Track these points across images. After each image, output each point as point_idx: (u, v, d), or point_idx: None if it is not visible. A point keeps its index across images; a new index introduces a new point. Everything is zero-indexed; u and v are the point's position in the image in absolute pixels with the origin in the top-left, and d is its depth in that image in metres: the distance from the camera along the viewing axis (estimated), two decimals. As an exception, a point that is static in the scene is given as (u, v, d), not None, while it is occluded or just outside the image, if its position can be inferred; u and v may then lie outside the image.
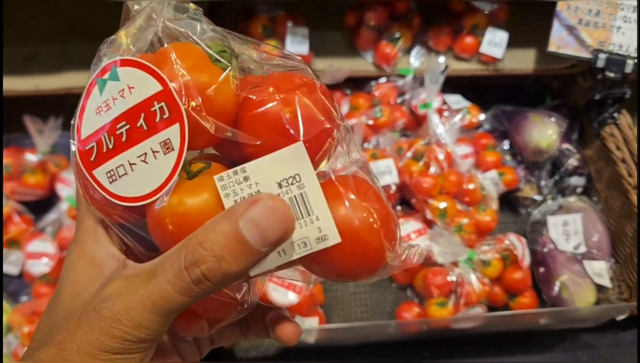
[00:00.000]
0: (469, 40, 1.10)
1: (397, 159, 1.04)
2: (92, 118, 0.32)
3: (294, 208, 0.29)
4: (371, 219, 0.30)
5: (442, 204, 0.98)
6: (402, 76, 1.12)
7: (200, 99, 0.30)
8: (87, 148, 0.32)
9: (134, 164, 0.31)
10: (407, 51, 1.12)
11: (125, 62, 0.31)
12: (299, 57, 0.34)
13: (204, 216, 0.29)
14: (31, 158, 1.03)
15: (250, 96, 0.32)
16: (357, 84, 1.14)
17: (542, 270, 1.02)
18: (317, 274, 0.33)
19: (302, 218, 0.29)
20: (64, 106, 1.11)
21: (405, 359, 1.02)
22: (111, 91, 0.31)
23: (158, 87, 0.30)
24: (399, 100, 1.13)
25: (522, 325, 0.98)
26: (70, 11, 1.15)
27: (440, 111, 1.10)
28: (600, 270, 1.00)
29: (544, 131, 1.06)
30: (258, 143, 0.31)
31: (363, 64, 1.12)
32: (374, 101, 1.11)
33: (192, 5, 0.35)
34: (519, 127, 1.10)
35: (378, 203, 0.31)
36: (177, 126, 0.30)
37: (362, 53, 1.13)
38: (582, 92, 1.12)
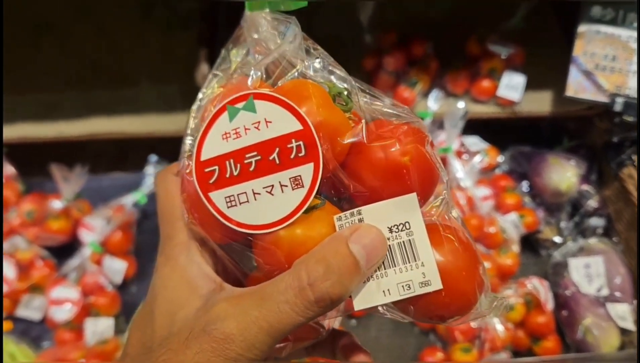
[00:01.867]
0: (486, 83, 1.11)
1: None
2: (216, 142, 0.33)
3: (401, 253, 0.32)
4: (468, 269, 0.32)
5: (464, 248, 0.98)
6: (421, 119, 1.13)
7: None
8: (207, 170, 0.33)
9: (258, 194, 0.32)
10: (425, 95, 1.14)
11: (264, 96, 0.33)
12: (407, 107, 0.36)
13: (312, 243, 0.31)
14: (56, 204, 1.04)
15: (375, 145, 0.33)
16: (376, 127, 1.15)
17: (565, 313, 1.02)
18: (408, 315, 0.34)
19: (408, 262, 0.32)
20: (87, 152, 1.12)
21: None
22: (244, 120, 0.33)
23: (298, 126, 0.32)
24: (417, 143, 1.14)
25: (547, 369, 0.97)
26: (93, 57, 1.18)
27: (459, 153, 1.11)
28: (623, 313, 0.99)
29: (563, 174, 1.07)
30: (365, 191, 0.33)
31: (381, 108, 1.13)
32: (392, 143, 1.12)
33: (318, 47, 0.36)
34: (538, 170, 1.10)
35: (472, 253, 0.33)
36: (311, 165, 0.31)
37: (380, 97, 1.14)
38: (599, 133, 1.13)
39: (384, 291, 0.31)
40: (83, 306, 0.98)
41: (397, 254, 0.32)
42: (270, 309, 0.30)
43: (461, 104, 1.08)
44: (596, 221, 1.10)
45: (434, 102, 1.12)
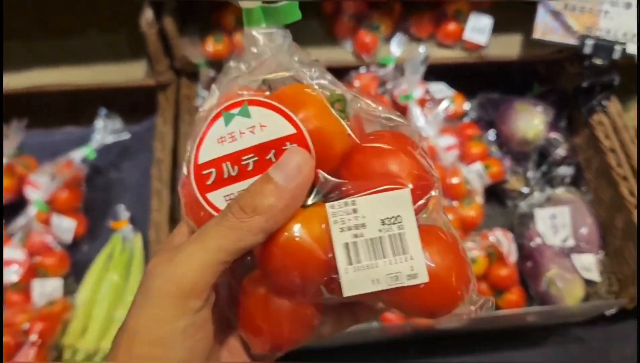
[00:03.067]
0: (451, 26, 1.05)
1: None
2: (212, 146, 0.35)
3: (391, 245, 0.33)
4: (456, 268, 0.34)
5: (425, 201, 0.94)
6: (383, 66, 1.07)
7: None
8: (204, 172, 0.35)
9: None
10: (388, 39, 1.08)
11: (258, 103, 0.35)
12: (399, 113, 0.39)
13: (316, 241, 0.33)
14: (-4, 161, 0.99)
15: (370, 146, 0.36)
16: (336, 74, 1.09)
17: (529, 264, 0.99)
18: (399, 309, 0.36)
19: (398, 255, 0.33)
20: (28, 105, 1.06)
21: (389, 358, 0.99)
22: (239, 125, 0.35)
23: (291, 130, 0.34)
24: (380, 90, 1.09)
25: (509, 322, 0.95)
26: (37, 8, 1.10)
27: (423, 101, 1.06)
28: (589, 264, 0.97)
29: (530, 121, 1.02)
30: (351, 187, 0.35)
31: (342, 54, 1.08)
32: (354, 92, 1.07)
33: (313, 57, 0.39)
34: (505, 117, 1.06)
35: (460, 254, 0.35)
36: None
37: (340, 42, 1.08)
38: (570, 77, 1.08)
39: (372, 280, 0.33)
40: (30, 267, 0.94)
41: (387, 246, 0.33)
42: (202, 238, 0.32)
43: (422, 49, 1.02)
44: (564, 170, 1.06)
45: (397, 47, 1.06)
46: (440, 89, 1.08)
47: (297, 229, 0.33)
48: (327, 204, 0.33)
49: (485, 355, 0.99)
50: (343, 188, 0.35)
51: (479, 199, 0.99)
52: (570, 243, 0.98)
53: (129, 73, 1.06)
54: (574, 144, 1.08)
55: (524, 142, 1.03)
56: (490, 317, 0.91)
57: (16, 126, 0.95)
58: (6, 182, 0.98)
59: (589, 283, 0.97)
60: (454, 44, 1.07)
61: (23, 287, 0.94)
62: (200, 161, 0.35)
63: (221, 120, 0.35)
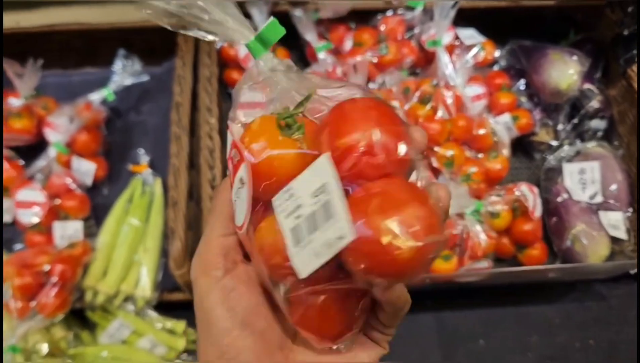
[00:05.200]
0: (485, -32, 1.00)
1: (403, 101, 0.97)
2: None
3: (322, 214, 0.32)
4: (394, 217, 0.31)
5: (449, 152, 0.92)
6: (411, 9, 1.03)
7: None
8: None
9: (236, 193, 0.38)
10: (417, -19, 1.02)
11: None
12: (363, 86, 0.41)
13: (272, 238, 0.34)
14: (14, 102, 0.97)
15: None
16: (361, 17, 1.05)
17: (554, 220, 0.97)
18: (357, 274, 0.33)
19: (327, 221, 0.32)
20: (44, 46, 1.04)
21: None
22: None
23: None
24: (407, 35, 1.04)
25: (530, 278, 0.93)
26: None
27: (451, 48, 1.01)
28: (616, 221, 0.94)
29: (565, 71, 0.98)
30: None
31: (368, -4, 1.03)
32: (380, 36, 1.02)
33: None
34: (537, 66, 1.01)
35: (428, 203, 0.32)
36: (244, 165, 0.35)
37: (367, -17, 1.03)
38: (609, 25, 1.02)
39: (315, 255, 0.32)
40: (51, 209, 0.95)
41: (320, 217, 0.32)
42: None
43: (452, -8, 0.97)
44: (597, 124, 1.02)
45: (426, -11, 1.01)
46: (470, 35, 1.03)
47: (261, 233, 0.36)
48: (272, 199, 0.34)
49: (503, 309, 0.99)
50: None
51: (506, 151, 0.96)
52: (598, 199, 0.95)
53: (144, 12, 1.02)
54: (608, 97, 1.03)
55: (556, 93, 0.99)
56: (511, 272, 0.90)
57: (32, 66, 0.93)
58: (25, 123, 0.97)
59: (615, 240, 0.95)
60: (487, -13, 1.02)
61: (45, 229, 0.94)
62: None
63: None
